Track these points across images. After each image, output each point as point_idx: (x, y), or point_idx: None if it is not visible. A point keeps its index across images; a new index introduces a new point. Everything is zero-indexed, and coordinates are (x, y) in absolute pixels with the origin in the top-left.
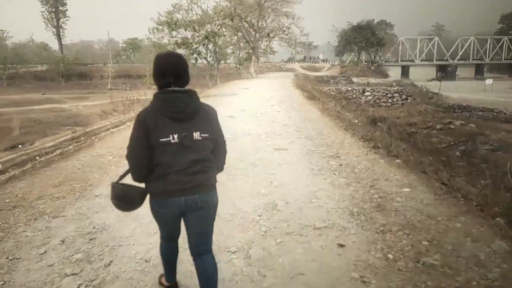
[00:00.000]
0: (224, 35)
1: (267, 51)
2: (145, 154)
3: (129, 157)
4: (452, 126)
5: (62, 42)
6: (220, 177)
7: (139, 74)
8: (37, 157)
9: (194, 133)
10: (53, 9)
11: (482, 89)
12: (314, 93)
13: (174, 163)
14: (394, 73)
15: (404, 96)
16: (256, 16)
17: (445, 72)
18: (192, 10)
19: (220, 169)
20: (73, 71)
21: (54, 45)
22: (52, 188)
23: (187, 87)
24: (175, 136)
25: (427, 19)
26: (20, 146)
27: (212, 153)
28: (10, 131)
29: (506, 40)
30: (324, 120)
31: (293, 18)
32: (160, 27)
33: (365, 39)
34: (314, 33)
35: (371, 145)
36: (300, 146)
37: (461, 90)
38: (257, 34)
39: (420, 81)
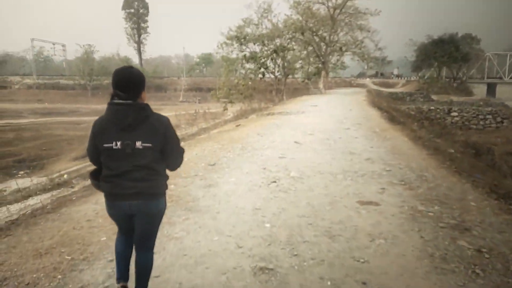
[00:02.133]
0: (294, 49)
1: (338, 66)
2: (95, 156)
3: (89, 159)
4: None
5: (142, 57)
6: None
7: (209, 87)
8: None
9: (137, 142)
10: (136, 26)
11: None
12: (393, 113)
13: (116, 167)
14: (479, 91)
15: (499, 119)
16: (328, 29)
17: None
18: (262, 24)
19: (172, 168)
20: (151, 84)
21: (135, 59)
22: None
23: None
24: (118, 143)
25: None
26: None
27: (163, 161)
28: (85, 139)
29: None
30: (420, 155)
31: (368, 31)
32: (230, 42)
33: (447, 53)
34: (388, 47)
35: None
36: (397, 199)
37: None
38: (328, 48)
39: (509, 101)
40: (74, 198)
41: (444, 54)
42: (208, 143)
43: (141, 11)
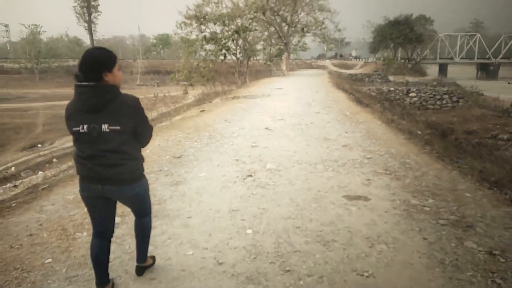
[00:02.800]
0: (256, 29)
1: (300, 47)
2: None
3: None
4: None
5: (94, 37)
6: None
7: (168, 70)
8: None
9: (103, 125)
10: (85, 4)
11: None
12: (357, 95)
13: (85, 151)
14: (431, 71)
15: (455, 98)
16: (290, 9)
17: (486, 71)
18: (222, 3)
19: (140, 146)
20: None
21: (87, 40)
22: None
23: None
24: (85, 126)
25: (466, 15)
26: (39, 145)
27: (135, 143)
28: (34, 127)
29: None
30: (397, 139)
31: (329, 12)
32: (189, 21)
33: (402, 35)
34: (346, 29)
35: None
36: (386, 191)
37: (507, 90)
38: (290, 29)
39: (459, 80)
40: (14, 205)
41: (400, 35)
42: (171, 132)
43: None
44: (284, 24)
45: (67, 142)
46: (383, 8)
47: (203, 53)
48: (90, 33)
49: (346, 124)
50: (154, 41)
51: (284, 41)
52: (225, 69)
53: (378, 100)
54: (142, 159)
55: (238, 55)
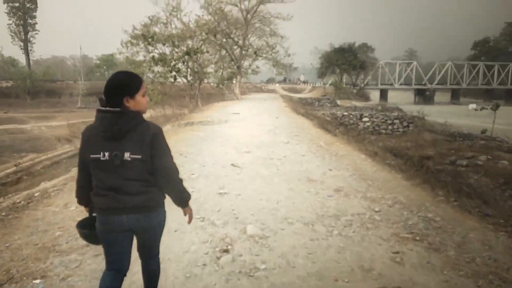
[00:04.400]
0: (208, 51)
1: (253, 71)
2: (84, 166)
3: (78, 167)
4: (479, 162)
5: (30, 57)
6: None
7: None
8: None
9: (125, 153)
10: (21, 22)
11: (464, 114)
12: (315, 120)
13: (107, 180)
14: (373, 96)
15: (405, 123)
16: (242, 33)
17: (423, 96)
18: (171, 24)
19: (181, 200)
20: (41, 88)
21: (23, 60)
22: None
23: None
24: (106, 154)
25: (401, 44)
26: None
27: (156, 176)
28: None
29: (482, 65)
30: (395, 180)
31: (282, 37)
32: (135, 41)
33: (347, 61)
34: (296, 54)
35: None
36: (434, 275)
37: (444, 115)
38: (243, 52)
39: (400, 105)
40: None
41: (345, 62)
42: None
43: (28, 5)
44: (236, 47)
45: None
46: (327, 37)
47: (151, 75)
48: (26, 52)
49: (326, 158)
50: (98, 61)
51: (237, 64)
52: (175, 92)
53: (333, 125)
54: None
55: (189, 78)
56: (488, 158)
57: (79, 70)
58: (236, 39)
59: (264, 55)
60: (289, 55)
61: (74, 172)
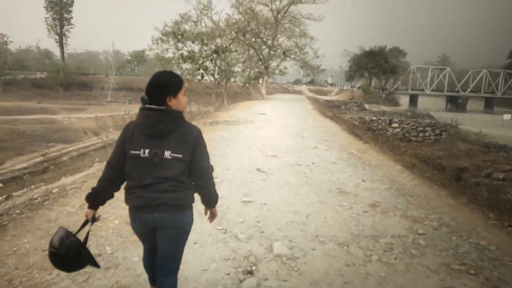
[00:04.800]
0: (236, 51)
1: (281, 71)
2: (120, 163)
3: (108, 162)
4: None
5: (64, 50)
6: None
7: (142, 87)
8: None
9: (166, 152)
10: (58, 16)
11: (497, 124)
12: (344, 124)
13: (142, 177)
14: (403, 101)
15: (437, 131)
16: (271, 33)
17: (455, 103)
18: (201, 22)
19: (212, 201)
20: (73, 81)
21: (58, 53)
22: None
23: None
24: (146, 151)
25: (434, 49)
26: None
27: (191, 175)
28: None
29: None
30: (442, 199)
31: (311, 38)
32: (165, 38)
33: (378, 65)
34: (325, 56)
35: None
36: None
37: (477, 124)
38: (271, 52)
39: (430, 111)
40: None
41: (375, 66)
42: None
43: (64, 0)
44: (264, 46)
45: (19, 163)
46: (357, 39)
47: (179, 72)
48: (61, 46)
49: (358, 168)
50: (129, 57)
51: (265, 64)
52: (201, 90)
53: (363, 130)
54: (194, 190)
55: (216, 76)
56: None
57: (110, 64)
58: (265, 39)
59: (292, 56)
60: (318, 57)
61: (95, 168)
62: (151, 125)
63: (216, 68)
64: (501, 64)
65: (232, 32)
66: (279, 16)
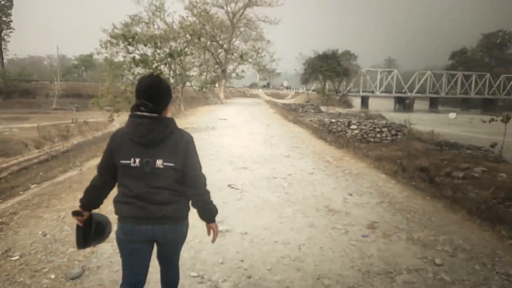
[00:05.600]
0: (192, 53)
1: (238, 75)
2: (107, 170)
3: (97, 169)
4: (475, 174)
5: (4, 56)
6: None
7: (90, 93)
8: None
9: (157, 160)
10: None
11: (443, 122)
12: (308, 128)
13: (134, 188)
14: (355, 103)
15: (393, 131)
16: (228, 36)
17: (403, 104)
18: (154, 24)
19: (211, 213)
20: (15, 88)
21: None
22: None
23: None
24: (137, 160)
25: (380, 53)
26: None
27: (183, 184)
28: None
29: (461, 75)
30: (436, 208)
31: (269, 41)
32: (115, 41)
33: (331, 68)
34: (281, 59)
35: None
36: None
37: (425, 123)
38: (228, 55)
39: (381, 112)
40: None
41: (329, 68)
42: (68, 203)
43: (2, 2)
44: (220, 50)
45: None
46: (309, 43)
47: (131, 77)
48: (0, 51)
49: (339, 178)
50: (76, 62)
51: (222, 67)
52: None
53: (321, 131)
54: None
55: (171, 80)
56: (483, 170)
57: (55, 70)
58: (221, 42)
59: (250, 60)
60: (274, 60)
61: (38, 188)
62: (143, 133)
63: (171, 72)
64: (444, 65)
65: (187, 35)
66: (234, 19)
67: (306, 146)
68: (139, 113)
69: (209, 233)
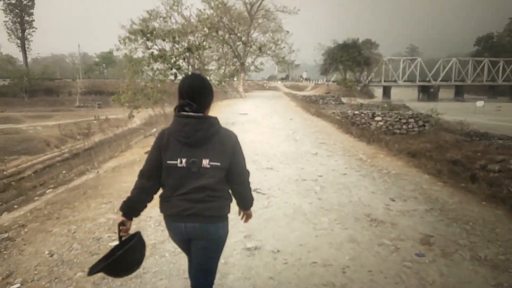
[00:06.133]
0: (210, 47)
1: (257, 68)
2: (154, 173)
3: (141, 173)
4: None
5: (27, 55)
6: None
7: (112, 90)
8: None
9: (204, 160)
10: (18, 19)
11: (470, 111)
12: (333, 121)
13: (178, 187)
14: (376, 93)
15: (420, 122)
16: (246, 28)
17: (427, 93)
18: (171, 18)
19: (249, 204)
20: (38, 87)
21: (21, 58)
22: None
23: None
24: (183, 160)
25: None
26: None
27: (228, 183)
28: None
29: (487, 61)
30: (508, 224)
31: (287, 32)
32: (133, 37)
33: (352, 57)
34: (300, 50)
35: None
36: None
37: (451, 112)
38: (247, 48)
39: (404, 102)
40: None
41: (349, 58)
42: (89, 205)
43: (24, 2)
44: (239, 43)
45: None
46: (327, 32)
47: (150, 73)
48: (24, 50)
49: (377, 180)
50: (97, 59)
51: (241, 60)
52: (175, 90)
53: (344, 124)
54: (230, 200)
55: None
56: None
57: (77, 68)
58: (239, 34)
59: (268, 52)
60: (293, 51)
61: (52, 194)
62: (189, 133)
63: (190, 66)
64: (469, 51)
65: (205, 28)
66: (252, 10)
67: (333, 141)
68: (184, 113)
69: (241, 216)
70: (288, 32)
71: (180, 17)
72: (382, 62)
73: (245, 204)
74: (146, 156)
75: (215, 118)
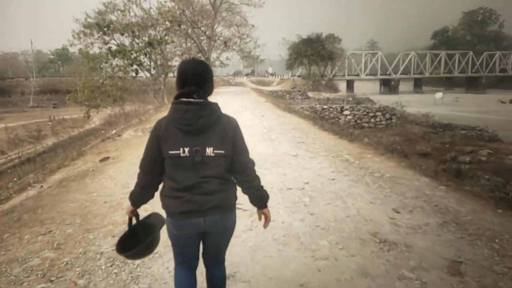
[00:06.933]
0: (173, 42)
1: (222, 63)
2: (153, 166)
3: (140, 167)
4: (482, 158)
5: None
6: None
7: (68, 88)
8: None
9: (207, 149)
10: None
11: (430, 102)
12: (305, 117)
13: (184, 179)
14: (341, 87)
15: (387, 115)
16: (210, 21)
17: (388, 86)
18: (130, 11)
19: (265, 199)
20: None
21: None
22: None
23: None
24: (186, 149)
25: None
26: None
27: (232, 171)
28: None
29: (444, 54)
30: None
31: (252, 26)
32: (88, 31)
33: (316, 52)
34: (265, 45)
35: None
36: None
37: (412, 104)
38: (212, 43)
39: (368, 95)
40: None
41: (314, 53)
42: (28, 233)
43: None
44: (203, 37)
45: None
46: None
47: (109, 70)
48: None
49: (371, 186)
50: (52, 56)
51: (205, 56)
52: (137, 87)
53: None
54: (236, 187)
55: (153, 71)
56: (489, 153)
57: (30, 66)
58: (203, 28)
59: (234, 47)
60: (258, 46)
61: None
62: (191, 120)
63: (152, 62)
64: (426, 45)
65: (166, 22)
66: (216, 3)
67: (312, 140)
68: (184, 99)
69: (260, 218)
70: (253, 26)
71: (139, 9)
72: (345, 56)
73: (257, 199)
74: (101, 165)
75: (216, 104)
